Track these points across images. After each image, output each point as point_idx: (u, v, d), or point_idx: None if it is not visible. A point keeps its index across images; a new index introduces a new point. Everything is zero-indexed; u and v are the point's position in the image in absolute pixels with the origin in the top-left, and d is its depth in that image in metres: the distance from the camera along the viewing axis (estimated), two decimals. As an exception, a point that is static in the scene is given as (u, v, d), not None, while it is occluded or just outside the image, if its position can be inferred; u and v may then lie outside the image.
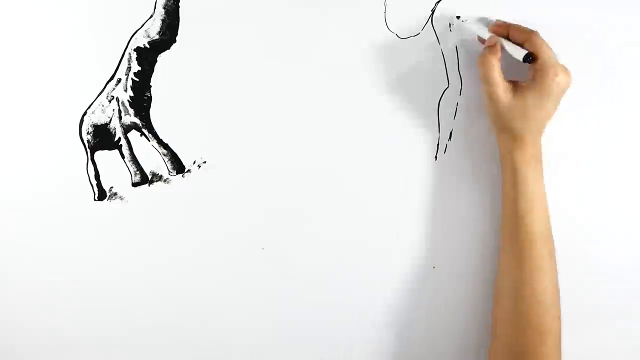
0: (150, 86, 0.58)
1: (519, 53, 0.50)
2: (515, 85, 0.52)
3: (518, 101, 0.50)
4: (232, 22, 0.57)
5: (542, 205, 0.52)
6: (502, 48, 0.52)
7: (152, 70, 0.58)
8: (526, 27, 0.52)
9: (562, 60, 0.51)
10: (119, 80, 0.58)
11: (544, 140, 0.54)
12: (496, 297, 0.55)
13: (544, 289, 0.51)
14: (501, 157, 0.55)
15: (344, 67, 0.58)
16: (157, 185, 0.59)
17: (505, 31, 0.53)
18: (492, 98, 0.51)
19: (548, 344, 0.51)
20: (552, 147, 0.55)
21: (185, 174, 0.59)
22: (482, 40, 0.55)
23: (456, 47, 0.57)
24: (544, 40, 0.50)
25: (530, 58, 0.50)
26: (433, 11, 0.57)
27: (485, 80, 0.51)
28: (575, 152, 0.58)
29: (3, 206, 0.59)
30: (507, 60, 0.52)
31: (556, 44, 0.53)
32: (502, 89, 0.51)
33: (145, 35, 0.57)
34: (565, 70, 0.50)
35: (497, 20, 0.55)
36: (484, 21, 0.56)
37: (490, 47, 0.52)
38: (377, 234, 0.59)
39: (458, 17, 0.56)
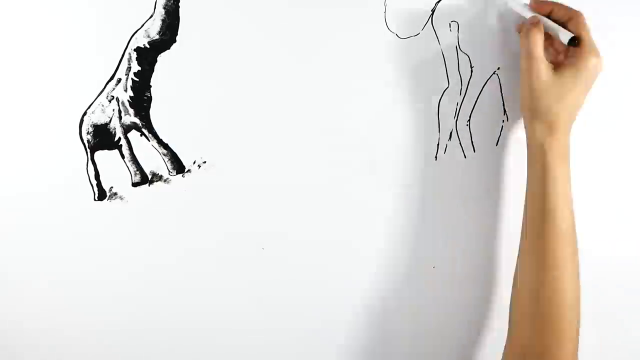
0: (150, 86, 0.58)
1: (563, 35, 0.48)
2: (553, 65, 0.51)
3: (556, 81, 0.49)
4: (232, 22, 0.57)
5: (568, 205, 0.51)
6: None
7: (152, 70, 0.58)
8: (571, 7, 0.51)
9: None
10: (119, 80, 0.58)
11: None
12: (515, 298, 0.54)
13: (565, 291, 0.50)
14: (530, 153, 0.53)
15: (344, 67, 0.58)
16: (157, 185, 0.59)
17: (549, 9, 0.51)
18: (532, 74, 0.50)
19: (565, 348, 0.50)
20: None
21: (185, 174, 0.59)
22: (519, 30, 0.53)
23: (456, 47, 0.57)
24: (586, 23, 0.49)
25: (576, 42, 0.48)
26: (433, 11, 0.57)
27: (528, 55, 0.50)
28: (576, 151, 0.58)
29: (3, 206, 0.59)
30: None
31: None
32: (544, 65, 0.49)
33: (145, 35, 0.57)
34: (599, 54, 0.49)
35: None
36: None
37: (534, 23, 0.51)
38: (378, 234, 0.59)
39: None
